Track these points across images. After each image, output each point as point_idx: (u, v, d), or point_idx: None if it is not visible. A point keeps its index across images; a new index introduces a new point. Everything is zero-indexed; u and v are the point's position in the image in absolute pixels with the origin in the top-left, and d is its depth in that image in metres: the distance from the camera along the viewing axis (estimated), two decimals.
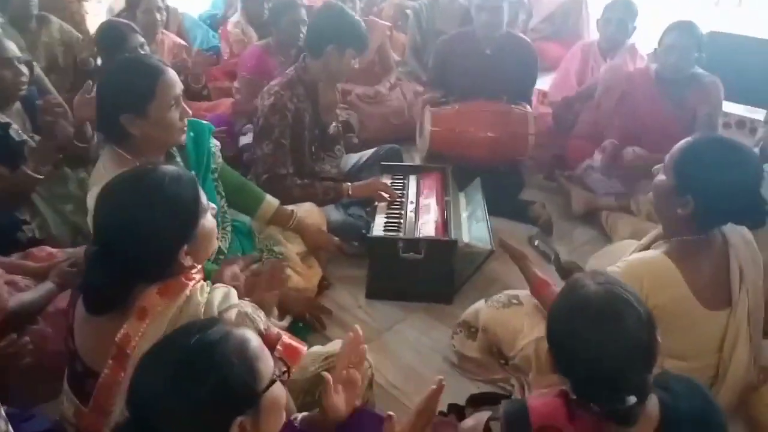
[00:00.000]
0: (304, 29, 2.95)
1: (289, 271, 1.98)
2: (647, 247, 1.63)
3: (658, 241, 1.58)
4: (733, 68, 2.90)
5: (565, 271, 1.93)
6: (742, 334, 1.50)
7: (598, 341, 0.98)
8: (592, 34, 4.14)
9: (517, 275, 2.27)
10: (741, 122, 3.19)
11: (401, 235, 2.12)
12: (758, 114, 2.99)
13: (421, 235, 2.10)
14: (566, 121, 3.04)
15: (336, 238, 2.17)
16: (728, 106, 2.94)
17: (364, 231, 2.26)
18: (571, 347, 1.01)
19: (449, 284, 2.17)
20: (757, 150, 2.29)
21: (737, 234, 1.52)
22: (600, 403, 0.99)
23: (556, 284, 1.73)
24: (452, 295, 2.19)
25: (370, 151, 2.76)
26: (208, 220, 1.21)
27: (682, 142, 1.50)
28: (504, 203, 2.67)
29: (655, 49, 2.66)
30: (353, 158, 2.76)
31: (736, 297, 1.47)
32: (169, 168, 1.17)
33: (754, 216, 1.44)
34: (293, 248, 2.08)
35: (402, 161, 2.78)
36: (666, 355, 1.47)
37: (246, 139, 2.84)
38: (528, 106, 2.83)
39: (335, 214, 2.37)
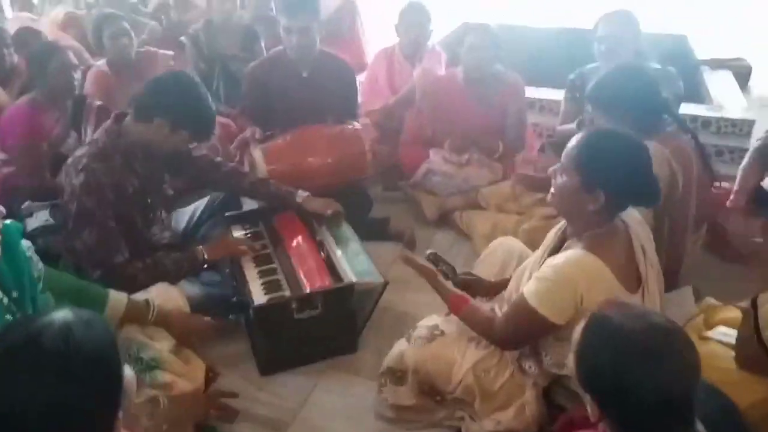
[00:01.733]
0: (76, 75, 2.55)
1: (168, 378, 1.59)
2: (556, 249, 1.63)
3: (569, 240, 1.59)
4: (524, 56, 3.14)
5: (464, 284, 1.87)
6: (656, 306, 1.58)
7: (661, 376, 0.89)
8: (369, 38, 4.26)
9: (409, 301, 2.19)
10: (542, 106, 3.52)
11: (289, 294, 1.85)
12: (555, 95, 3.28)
13: (312, 289, 1.85)
14: (390, 129, 3.02)
15: (207, 318, 1.81)
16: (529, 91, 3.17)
17: (234, 299, 1.93)
18: (632, 389, 0.91)
19: (352, 332, 1.96)
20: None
21: (631, 215, 1.60)
22: None
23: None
24: (356, 341, 1.99)
25: (202, 202, 2.40)
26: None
27: (575, 140, 1.51)
28: (359, 226, 2.53)
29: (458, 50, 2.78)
30: (185, 214, 2.37)
31: (645, 275, 1.54)
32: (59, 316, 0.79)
33: (651, 196, 1.51)
34: (164, 346, 1.67)
35: (241, 206, 2.47)
36: None
37: (36, 222, 2.26)
38: (356, 124, 2.73)
39: (190, 288, 1.98)
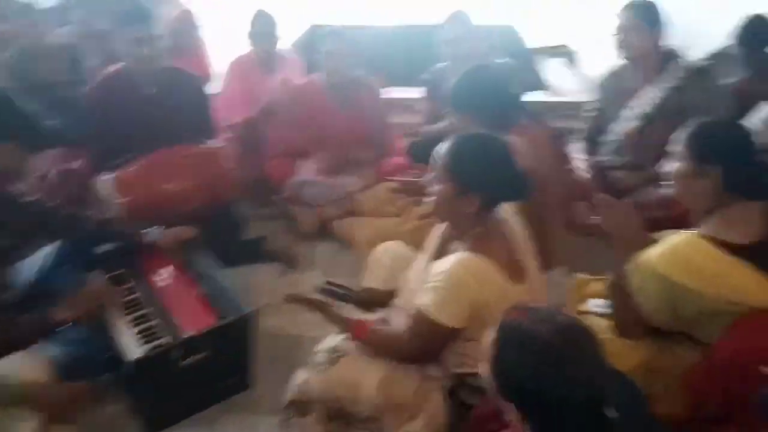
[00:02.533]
0: None
1: None
2: (440, 253, 1.64)
3: (453, 243, 1.61)
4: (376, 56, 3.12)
5: (364, 302, 1.83)
6: (540, 293, 1.66)
7: (578, 375, 0.91)
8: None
9: (301, 323, 2.11)
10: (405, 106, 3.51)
11: (170, 340, 1.68)
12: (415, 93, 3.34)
13: (196, 331, 1.70)
14: (254, 142, 2.89)
15: (78, 383, 1.60)
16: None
17: (107, 356, 1.72)
18: (552, 393, 0.92)
19: (244, 368, 1.84)
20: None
21: (505, 210, 1.65)
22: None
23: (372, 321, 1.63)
24: (247, 377, 1.86)
25: (52, 248, 2.11)
26: None
27: (443, 148, 1.54)
28: (233, 250, 2.40)
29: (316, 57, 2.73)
30: (32, 264, 2.06)
31: (526, 263, 1.60)
32: None
33: (522, 190, 1.57)
34: (27, 428, 1.44)
35: (98, 247, 2.20)
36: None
37: None
38: (215, 142, 2.57)
39: (52, 350, 1.73)
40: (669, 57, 2.37)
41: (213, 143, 2.50)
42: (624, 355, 1.57)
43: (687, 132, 1.54)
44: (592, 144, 2.60)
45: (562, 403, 0.91)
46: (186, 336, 1.68)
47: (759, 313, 1.38)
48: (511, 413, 0.98)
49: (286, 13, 3.07)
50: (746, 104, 2.46)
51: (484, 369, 1.03)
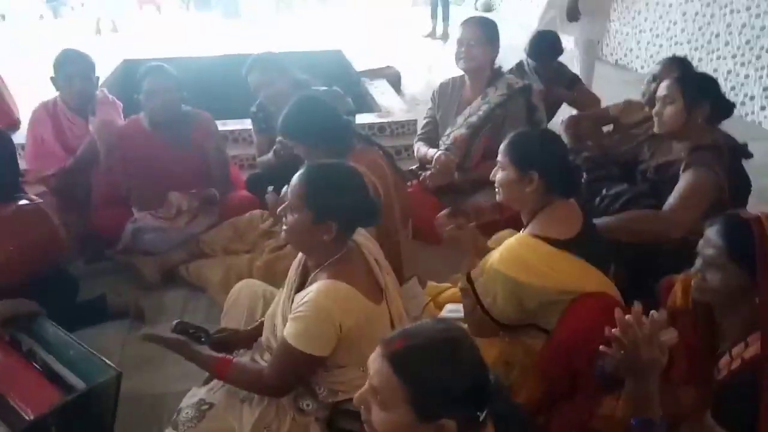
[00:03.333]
0: None
1: None
2: (301, 285, 1.65)
3: (313, 273, 1.62)
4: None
5: (221, 343, 1.75)
6: (400, 309, 1.73)
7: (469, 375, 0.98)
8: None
9: (159, 380, 1.97)
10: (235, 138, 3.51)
11: (8, 429, 1.47)
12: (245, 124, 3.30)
13: (38, 412, 1.50)
14: (75, 193, 2.64)
15: None
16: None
17: None
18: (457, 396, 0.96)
19: None
20: None
21: (358, 233, 1.71)
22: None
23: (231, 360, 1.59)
24: None
25: None
26: None
27: (297, 179, 1.56)
28: (69, 314, 2.16)
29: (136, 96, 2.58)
30: None
31: (384, 284, 1.67)
32: None
33: (375, 214, 1.64)
34: None
35: None
36: (356, 363, 1.58)
37: None
38: (33, 197, 2.30)
39: None
40: (497, 74, 2.60)
41: (32, 199, 2.23)
42: (481, 352, 1.70)
43: (507, 142, 1.72)
44: (426, 142, 2.79)
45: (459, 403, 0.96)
46: (29, 420, 1.48)
47: (587, 296, 1.57)
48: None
49: (88, 49, 2.85)
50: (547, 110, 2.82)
51: (358, 397, 1.04)
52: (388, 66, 4.79)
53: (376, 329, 1.59)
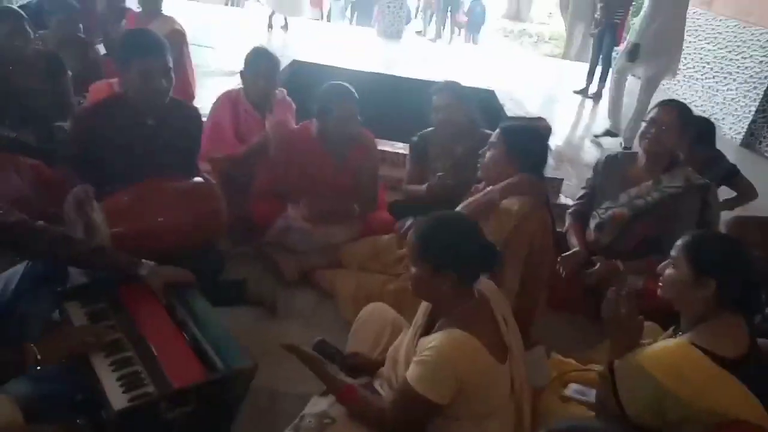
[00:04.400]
0: None
1: None
2: (427, 329, 1.67)
3: (440, 320, 1.64)
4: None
5: (351, 367, 1.82)
6: (522, 373, 1.70)
7: None
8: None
9: (282, 377, 2.06)
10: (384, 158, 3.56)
11: (155, 390, 1.60)
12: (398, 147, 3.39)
13: (183, 384, 1.62)
14: (238, 179, 2.85)
15: (53, 427, 1.50)
16: None
17: (80, 397, 1.62)
18: None
19: (226, 424, 1.77)
20: None
21: (487, 286, 1.70)
22: None
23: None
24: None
25: (17, 269, 1.98)
26: None
27: (415, 232, 1.62)
28: (211, 290, 2.31)
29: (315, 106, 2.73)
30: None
31: (509, 344, 1.65)
32: None
33: (492, 259, 1.66)
34: None
35: (67, 273, 2.09)
36: (471, 417, 1.57)
37: None
38: (207, 177, 2.52)
39: (17, 388, 1.62)
40: (675, 161, 2.48)
41: (207, 179, 2.44)
42: None
43: (687, 241, 1.64)
44: (579, 218, 2.70)
45: None
46: (173, 388, 1.61)
47: (740, 424, 1.46)
48: None
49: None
50: None
51: None
52: (540, 118, 4.72)
53: (496, 388, 1.60)
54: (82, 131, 2.31)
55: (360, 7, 12.71)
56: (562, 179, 3.64)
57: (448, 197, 2.43)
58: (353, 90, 2.68)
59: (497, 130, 2.27)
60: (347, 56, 6.82)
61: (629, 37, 4.86)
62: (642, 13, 4.71)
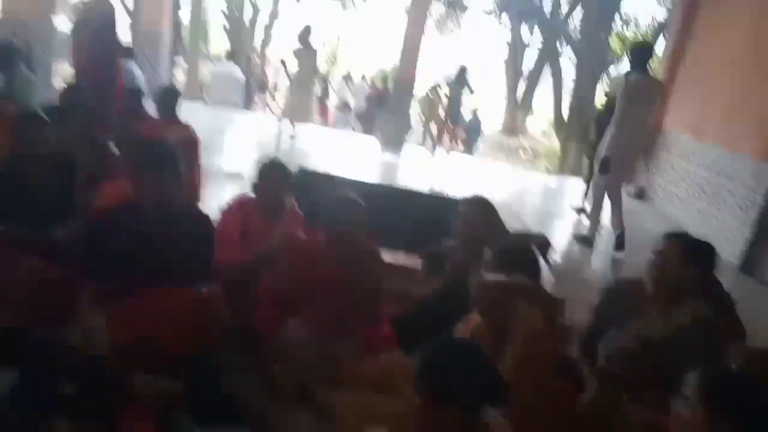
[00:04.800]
0: None
1: None
2: None
3: None
4: None
5: None
6: None
7: None
8: None
9: None
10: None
11: None
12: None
13: None
14: (243, 287, 2.82)
15: None
16: None
17: None
18: None
19: None
20: None
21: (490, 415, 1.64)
22: None
23: None
24: None
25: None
26: None
27: (417, 358, 1.62)
28: (206, 404, 2.23)
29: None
30: None
31: None
32: None
33: (498, 393, 1.60)
34: None
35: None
36: None
37: None
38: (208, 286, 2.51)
39: None
40: (687, 293, 2.42)
41: (209, 289, 2.42)
42: None
43: (702, 382, 1.60)
44: (587, 345, 2.64)
45: None
46: None
47: None
48: None
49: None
50: None
51: None
52: (540, 234, 4.79)
53: None
54: (94, 235, 2.32)
55: (363, 116, 13.32)
56: (564, 300, 3.61)
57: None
58: (360, 200, 2.73)
59: None
60: (351, 165, 7.04)
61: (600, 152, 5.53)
62: (609, 130, 5.37)
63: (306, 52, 8.35)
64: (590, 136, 7.32)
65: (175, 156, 2.30)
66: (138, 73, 6.80)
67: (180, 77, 14.29)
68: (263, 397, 2.48)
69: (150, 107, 4.92)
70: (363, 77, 15.49)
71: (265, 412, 2.37)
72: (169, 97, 4.42)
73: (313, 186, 2.95)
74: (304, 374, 2.56)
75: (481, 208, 2.83)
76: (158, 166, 2.24)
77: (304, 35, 8.30)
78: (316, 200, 2.90)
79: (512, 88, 19.04)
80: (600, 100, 11.94)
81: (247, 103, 12.55)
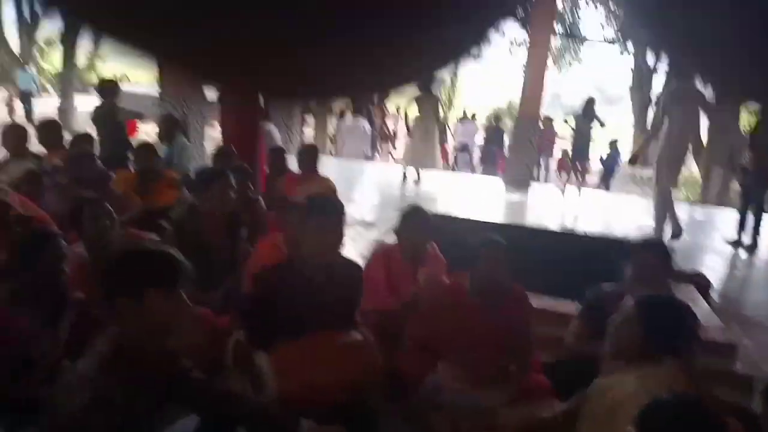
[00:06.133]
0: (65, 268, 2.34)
1: None
2: None
3: None
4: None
5: None
6: None
7: None
8: None
9: None
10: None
11: None
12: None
13: None
14: (391, 335, 2.87)
15: None
16: None
17: None
18: None
19: None
20: None
21: None
22: None
23: None
24: None
25: (189, 424, 2.07)
26: None
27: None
28: None
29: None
30: None
31: None
32: None
33: None
34: None
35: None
36: None
37: None
38: (362, 331, 2.58)
39: None
40: None
41: (363, 334, 2.49)
42: None
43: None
44: None
45: None
46: None
47: None
48: None
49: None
50: None
51: None
52: (697, 273, 4.42)
53: None
54: (260, 291, 2.48)
55: (485, 157, 13.28)
56: (734, 344, 3.28)
57: None
58: (502, 241, 2.70)
59: (631, 303, 2.09)
60: (481, 206, 7.01)
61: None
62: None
63: (427, 98, 8.54)
64: (740, 160, 6.72)
65: (341, 208, 2.43)
66: (276, 133, 7.34)
67: (308, 132, 15.23)
68: None
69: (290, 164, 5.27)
70: (473, 116, 15.50)
71: None
72: (310, 153, 4.71)
73: (453, 231, 2.96)
74: (459, 422, 2.53)
75: (659, 251, 2.65)
76: (326, 214, 2.38)
77: (425, 82, 8.50)
78: (458, 244, 2.91)
79: (640, 117, 18.13)
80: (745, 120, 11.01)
81: (372, 154, 13.04)
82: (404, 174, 9.03)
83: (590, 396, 1.97)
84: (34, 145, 4.56)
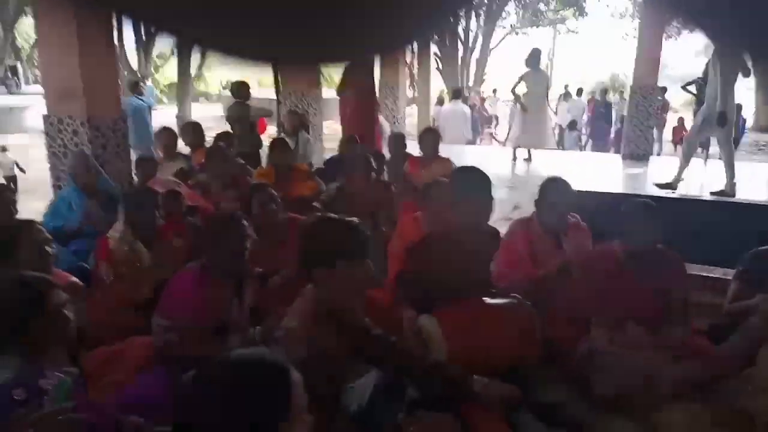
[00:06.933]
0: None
1: None
2: None
3: None
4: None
5: None
6: None
7: None
8: None
9: None
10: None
11: None
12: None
13: None
14: (541, 302, 2.93)
15: None
16: None
17: None
18: None
19: None
20: None
21: None
22: None
23: None
24: None
25: (369, 380, 2.24)
26: None
27: None
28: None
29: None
30: (353, 394, 2.22)
31: None
32: None
33: None
34: None
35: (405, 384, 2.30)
36: None
37: None
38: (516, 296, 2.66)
39: None
40: None
41: (519, 298, 2.57)
42: None
43: None
44: None
45: None
46: None
47: None
48: None
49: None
50: None
51: None
52: None
53: None
54: (418, 262, 2.64)
55: (595, 133, 12.80)
56: None
57: None
58: (654, 207, 2.66)
59: None
60: (605, 181, 6.83)
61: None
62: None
63: (535, 74, 8.36)
64: None
65: (488, 178, 2.53)
66: (385, 123, 7.55)
67: (411, 122, 15.38)
68: (582, 407, 2.52)
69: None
70: (579, 92, 14.90)
71: (587, 421, 2.40)
72: (431, 136, 4.84)
73: (591, 205, 2.96)
74: (620, 385, 2.54)
75: None
76: (484, 189, 2.50)
77: (533, 59, 8.33)
78: (603, 214, 2.91)
79: (763, 81, 16.64)
80: None
81: (475, 137, 12.97)
82: (514, 153, 8.93)
83: None
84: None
